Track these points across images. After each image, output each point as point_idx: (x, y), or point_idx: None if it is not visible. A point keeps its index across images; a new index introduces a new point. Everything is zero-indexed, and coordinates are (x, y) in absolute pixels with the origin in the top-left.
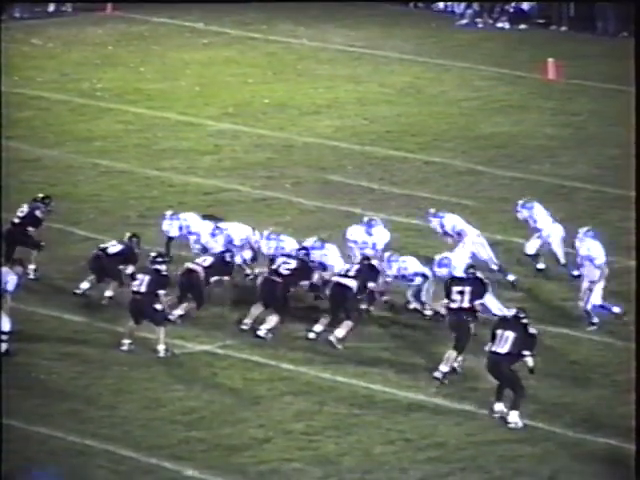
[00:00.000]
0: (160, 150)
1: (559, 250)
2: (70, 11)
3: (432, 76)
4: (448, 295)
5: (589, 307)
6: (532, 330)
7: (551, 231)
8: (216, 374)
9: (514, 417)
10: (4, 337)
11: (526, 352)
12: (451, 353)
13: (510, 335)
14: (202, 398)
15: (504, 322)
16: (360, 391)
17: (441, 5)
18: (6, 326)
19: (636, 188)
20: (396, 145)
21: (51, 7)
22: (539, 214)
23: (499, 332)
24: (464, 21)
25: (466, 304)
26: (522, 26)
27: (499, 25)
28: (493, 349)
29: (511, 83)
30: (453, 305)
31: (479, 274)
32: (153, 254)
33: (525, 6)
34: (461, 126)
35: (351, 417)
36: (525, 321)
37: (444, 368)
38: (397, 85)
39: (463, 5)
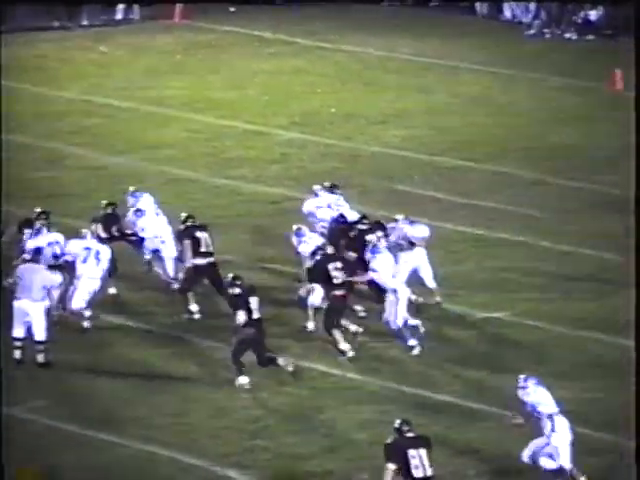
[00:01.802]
0: (228, 159)
1: None
2: (138, 19)
3: (500, 86)
4: None
5: None
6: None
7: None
8: (282, 382)
9: None
10: (40, 347)
11: None
12: None
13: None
14: (267, 407)
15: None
16: (425, 400)
17: (508, 15)
18: (41, 335)
19: (636, 187)
20: (464, 155)
21: (119, 15)
22: None
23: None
24: (532, 31)
25: None
26: (589, 37)
27: (567, 36)
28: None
29: (579, 94)
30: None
31: None
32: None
33: (592, 17)
34: (529, 136)
35: (416, 427)
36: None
37: None
38: (465, 95)
39: (531, 15)
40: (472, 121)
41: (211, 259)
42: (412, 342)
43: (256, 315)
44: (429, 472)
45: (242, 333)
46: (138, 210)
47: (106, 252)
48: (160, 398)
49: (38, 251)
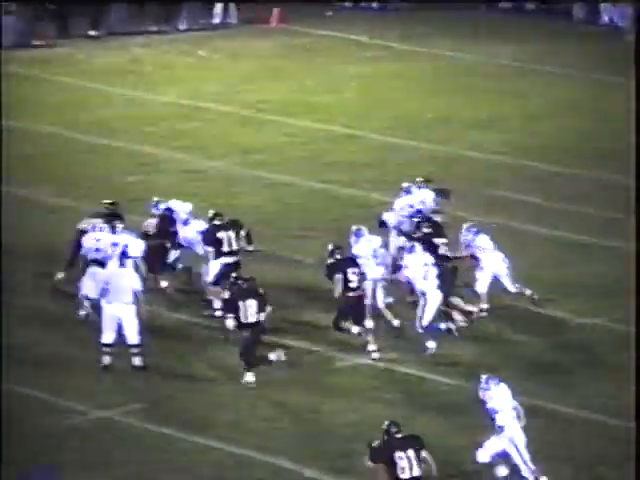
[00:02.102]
0: (324, 163)
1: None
2: (235, 23)
3: (597, 91)
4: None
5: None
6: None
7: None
8: (377, 388)
9: None
10: (134, 350)
11: None
12: None
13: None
14: (362, 411)
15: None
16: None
17: (606, 19)
18: (134, 338)
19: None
20: (560, 160)
21: (217, 19)
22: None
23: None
24: (631, 37)
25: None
26: None
27: None
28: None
29: None
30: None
31: None
32: None
33: None
34: (625, 143)
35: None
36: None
37: None
38: (562, 100)
39: (628, 19)
40: (568, 126)
41: (235, 258)
42: (430, 344)
43: (251, 319)
44: (416, 472)
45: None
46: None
47: (137, 247)
48: (255, 402)
49: (123, 254)
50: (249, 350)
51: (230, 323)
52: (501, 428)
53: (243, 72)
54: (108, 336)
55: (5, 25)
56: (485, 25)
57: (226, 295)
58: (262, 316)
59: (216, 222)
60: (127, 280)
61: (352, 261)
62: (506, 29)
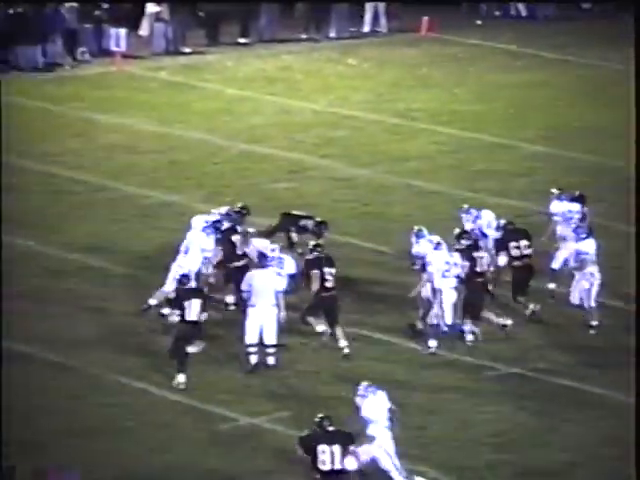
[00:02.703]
0: (473, 171)
1: None
2: (385, 32)
3: None
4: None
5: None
6: None
7: None
8: (524, 396)
9: None
10: (270, 350)
11: None
12: None
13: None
14: (512, 420)
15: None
16: None
17: None
18: (272, 339)
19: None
20: None
21: (367, 27)
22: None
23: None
24: None
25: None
26: None
27: None
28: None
29: None
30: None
31: None
32: None
33: None
34: None
35: None
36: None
37: None
38: None
39: None
40: None
41: (244, 261)
42: (432, 343)
43: (192, 317)
44: (337, 466)
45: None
46: None
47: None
48: (404, 410)
49: (263, 256)
50: (179, 349)
51: (172, 317)
52: (372, 437)
53: (392, 80)
54: (252, 336)
55: (156, 32)
56: (631, 34)
57: (172, 295)
58: (203, 316)
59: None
60: (271, 282)
61: (330, 261)
62: None
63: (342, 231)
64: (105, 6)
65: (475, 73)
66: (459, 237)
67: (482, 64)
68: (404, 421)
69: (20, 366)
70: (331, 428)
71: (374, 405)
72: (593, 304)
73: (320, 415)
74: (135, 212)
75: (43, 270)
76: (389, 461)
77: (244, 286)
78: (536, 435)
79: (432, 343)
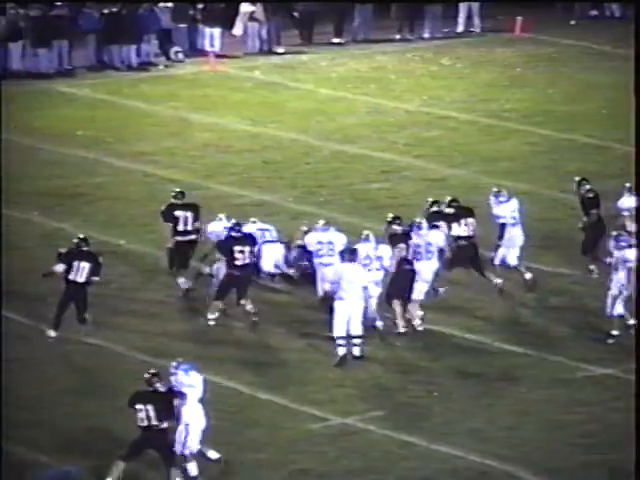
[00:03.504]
0: (566, 172)
1: None
2: (478, 32)
3: None
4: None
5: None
6: None
7: None
8: (616, 397)
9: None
10: (356, 341)
11: None
12: None
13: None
14: (603, 421)
15: None
16: None
17: None
18: (358, 330)
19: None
20: None
21: (460, 27)
22: None
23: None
24: None
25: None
26: None
27: None
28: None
29: None
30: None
31: None
32: None
33: None
34: None
35: None
36: None
37: None
38: None
39: None
40: None
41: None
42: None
43: (79, 279)
44: (154, 423)
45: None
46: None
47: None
48: (495, 410)
49: (353, 251)
50: (61, 307)
51: (58, 268)
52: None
53: (486, 80)
54: (340, 329)
55: (250, 32)
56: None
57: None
58: (91, 279)
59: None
60: (359, 276)
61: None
62: None
63: None
64: (199, 6)
65: (569, 73)
66: (391, 223)
67: (576, 64)
68: (494, 421)
69: (106, 362)
70: (156, 388)
71: (187, 380)
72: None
73: (152, 371)
74: (228, 211)
75: (136, 269)
76: (182, 436)
77: (333, 279)
78: (628, 436)
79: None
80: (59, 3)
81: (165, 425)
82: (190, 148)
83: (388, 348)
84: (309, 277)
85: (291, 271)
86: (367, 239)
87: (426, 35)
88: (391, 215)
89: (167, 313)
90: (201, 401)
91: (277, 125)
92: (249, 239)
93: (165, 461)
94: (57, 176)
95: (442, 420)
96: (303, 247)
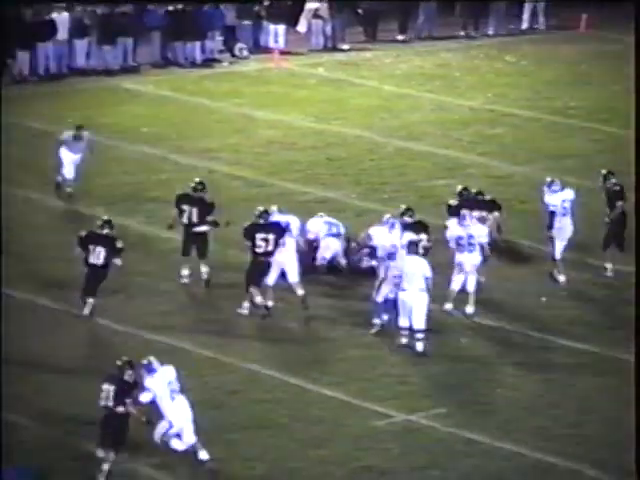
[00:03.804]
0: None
1: None
2: (543, 29)
3: None
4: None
5: None
6: None
7: None
8: None
9: None
10: (419, 335)
11: None
12: None
13: None
14: None
15: None
16: None
17: None
18: (420, 324)
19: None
20: None
21: (525, 24)
22: None
23: None
24: None
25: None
26: None
27: None
28: None
29: None
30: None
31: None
32: None
33: None
34: None
35: None
36: None
37: None
38: None
39: None
40: None
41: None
42: (376, 320)
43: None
44: (110, 404)
45: None
46: None
47: None
48: (560, 407)
49: (414, 244)
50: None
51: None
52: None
53: (550, 78)
54: (403, 320)
55: (315, 29)
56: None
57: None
58: (112, 261)
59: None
60: (420, 268)
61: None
62: None
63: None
64: (265, 3)
65: (634, 70)
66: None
67: None
68: (558, 418)
69: (177, 361)
70: (127, 377)
71: (158, 380)
72: None
73: (124, 359)
74: (292, 208)
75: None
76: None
77: (395, 271)
78: None
79: (377, 321)
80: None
81: (121, 410)
82: (254, 145)
83: (452, 344)
84: (370, 271)
85: (343, 262)
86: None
87: (490, 32)
88: (403, 207)
89: (229, 307)
90: (182, 391)
91: (341, 122)
92: (274, 228)
93: (113, 445)
94: (122, 172)
95: (506, 417)
96: (367, 243)
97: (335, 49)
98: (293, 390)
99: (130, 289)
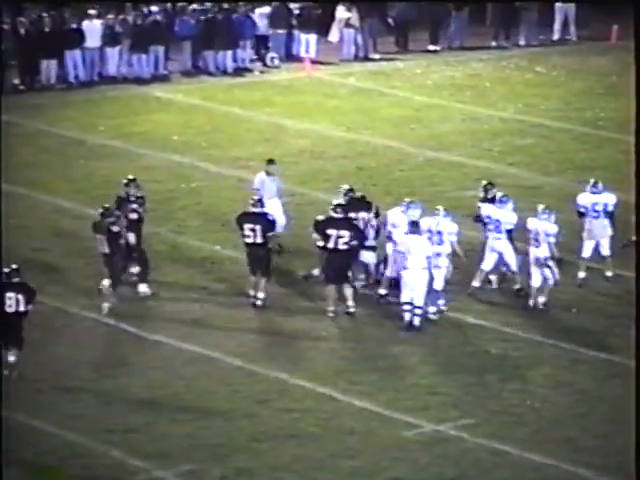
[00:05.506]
0: None
1: None
2: (574, 40)
3: None
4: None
5: None
6: None
7: None
8: None
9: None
10: (418, 311)
11: None
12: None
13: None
14: None
15: None
16: None
17: None
18: (420, 301)
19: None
20: None
21: (556, 35)
22: None
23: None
24: None
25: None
26: None
27: None
28: None
29: None
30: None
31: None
32: None
33: None
34: None
35: None
36: None
37: None
38: None
39: None
40: None
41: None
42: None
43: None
44: (21, 309)
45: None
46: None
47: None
48: (589, 419)
49: (415, 224)
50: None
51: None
52: None
53: (581, 89)
54: (405, 296)
55: (346, 38)
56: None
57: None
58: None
59: None
60: (422, 247)
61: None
62: None
63: None
64: (295, 12)
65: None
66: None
67: None
68: (588, 429)
69: (203, 370)
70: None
71: None
72: None
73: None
74: None
75: (232, 274)
76: None
77: (401, 248)
78: None
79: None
80: (156, 9)
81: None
82: (284, 154)
83: (481, 355)
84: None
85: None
86: (433, 215)
87: (522, 42)
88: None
89: (259, 315)
90: None
91: (371, 132)
92: (262, 218)
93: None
94: (152, 180)
95: (535, 428)
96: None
97: (366, 59)
98: (323, 400)
99: (159, 297)
